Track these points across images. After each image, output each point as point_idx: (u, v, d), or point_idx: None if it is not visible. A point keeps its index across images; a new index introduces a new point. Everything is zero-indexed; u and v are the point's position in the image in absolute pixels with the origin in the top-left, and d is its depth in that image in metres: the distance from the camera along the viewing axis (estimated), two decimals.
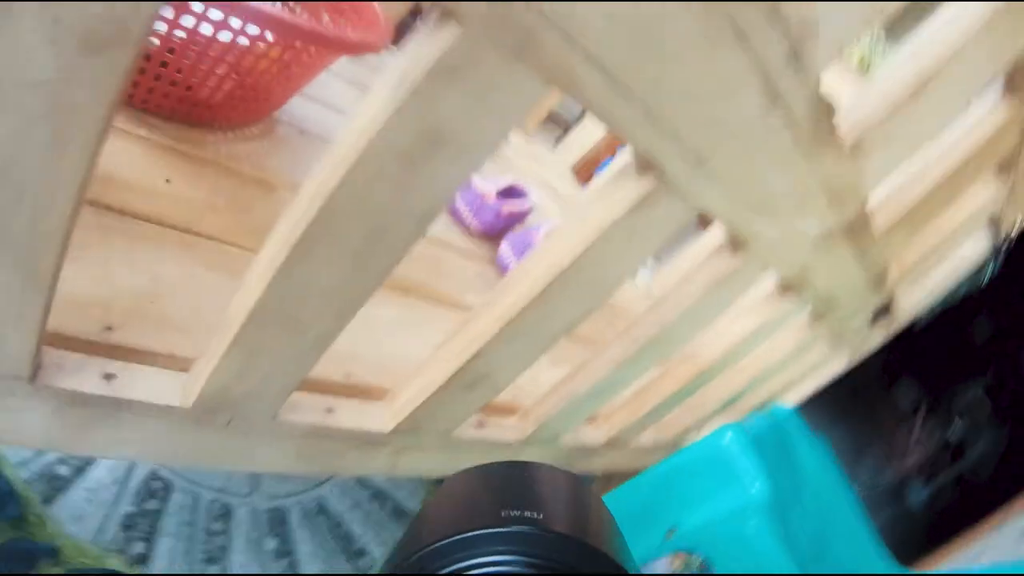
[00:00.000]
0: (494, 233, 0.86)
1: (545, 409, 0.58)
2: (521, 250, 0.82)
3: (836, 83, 1.12)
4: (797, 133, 0.40)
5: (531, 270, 0.40)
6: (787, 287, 0.61)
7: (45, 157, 0.23)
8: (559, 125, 1.70)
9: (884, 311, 0.82)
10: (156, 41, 0.51)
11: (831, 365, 1.00)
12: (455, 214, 0.87)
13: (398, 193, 0.29)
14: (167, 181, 0.51)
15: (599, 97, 0.30)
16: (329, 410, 0.44)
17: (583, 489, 0.24)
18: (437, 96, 0.26)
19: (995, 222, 0.86)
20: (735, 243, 0.49)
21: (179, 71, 0.54)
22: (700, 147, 0.36)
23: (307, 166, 0.66)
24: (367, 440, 0.47)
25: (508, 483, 0.24)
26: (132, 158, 0.51)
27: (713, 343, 0.67)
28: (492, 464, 0.25)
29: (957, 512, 0.92)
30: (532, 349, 0.46)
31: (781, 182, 0.44)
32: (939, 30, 0.46)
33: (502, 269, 0.83)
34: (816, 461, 0.83)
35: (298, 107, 0.72)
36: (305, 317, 0.34)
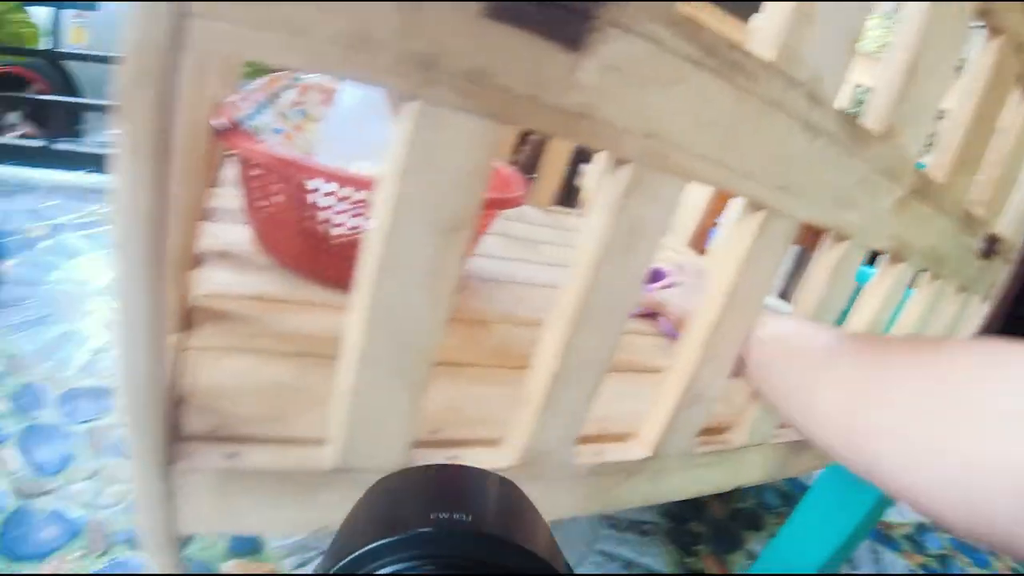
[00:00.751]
0: (646, 313, 1.02)
1: (745, 418, 0.72)
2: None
3: (865, 75, 1.29)
4: (838, 143, 0.57)
5: (709, 302, 0.58)
6: (894, 257, 0.75)
7: (425, 308, 0.44)
8: None
9: (991, 245, 0.91)
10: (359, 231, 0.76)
11: (971, 314, 1.07)
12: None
13: (621, 272, 0.49)
14: None
15: (715, 177, 0.49)
16: (598, 453, 0.61)
17: (513, 491, 0.24)
18: (629, 205, 0.46)
19: None
20: (838, 236, 0.65)
21: None
22: (783, 180, 0.54)
23: (501, 305, 0.89)
24: (630, 470, 0.62)
25: (437, 486, 0.24)
26: None
27: (856, 324, 0.79)
28: (419, 467, 0.25)
29: None
30: (724, 363, 0.61)
31: (845, 180, 0.60)
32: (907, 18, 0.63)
33: (671, 336, 0.98)
34: None
35: (470, 263, 0.95)
36: (583, 376, 0.52)
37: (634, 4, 0.40)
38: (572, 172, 1.82)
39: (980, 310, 1.07)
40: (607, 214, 0.46)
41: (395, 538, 0.19)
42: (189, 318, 0.63)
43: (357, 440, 0.48)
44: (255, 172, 0.75)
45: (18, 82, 2.52)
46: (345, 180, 0.69)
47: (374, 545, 0.19)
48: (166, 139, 0.34)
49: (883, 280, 0.77)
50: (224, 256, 0.79)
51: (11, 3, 2.07)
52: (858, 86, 1.30)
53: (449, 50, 0.37)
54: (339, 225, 0.73)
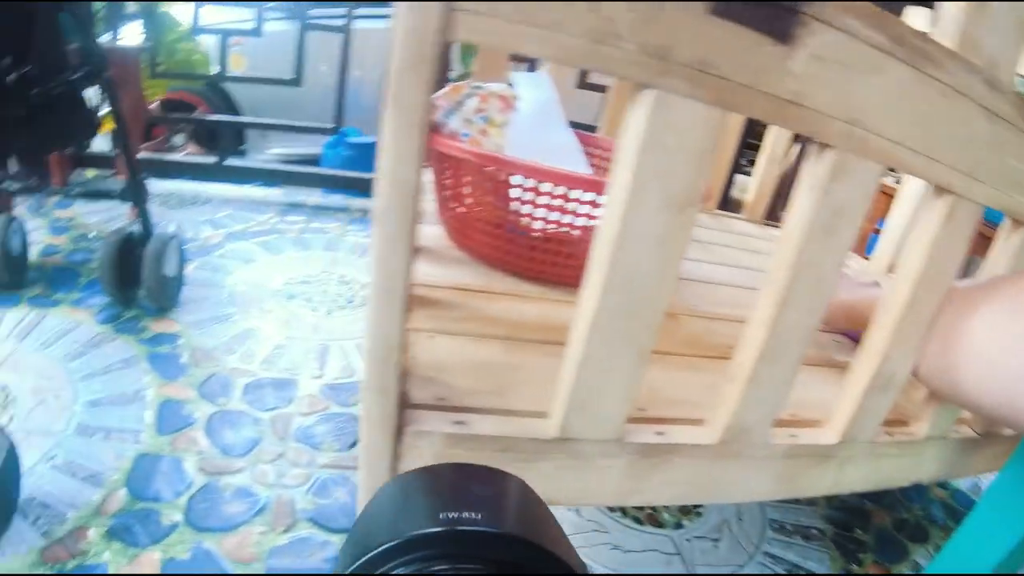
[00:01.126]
0: None
1: (927, 411, 0.71)
2: None
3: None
4: (1016, 127, 0.59)
5: (900, 287, 0.60)
6: None
7: (655, 279, 0.48)
8: None
9: None
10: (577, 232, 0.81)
11: None
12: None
13: (824, 252, 0.52)
14: None
15: (904, 161, 0.52)
16: (792, 435, 0.63)
17: (524, 489, 0.24)
18: (833, 188, 0.50)
19: None
20: (1016, 222, 0.65)
21: (569, 255, 0.81)
22: (967, 166, 0.56)
23: (685, 299, 0.92)
24: (820, 454, 0.63)
25: (446, 485, 0.24)
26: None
27: None
28: (431, 467, 0.25)
29: None
30: (913, 348, 0.62)
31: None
32: None
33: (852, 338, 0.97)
34: None
35: None
36: (789, 354, 0.55)
37: (833, 5, 0.45)
38: (728, 183, 1.87)
39: None
40: (814, 196, 0.50)
41: (404, 539, 0.19)
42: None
43: (578, 410, 0.52)
44: (450, 172, 0.83)
45: (185, 107, 2.77)
46: (547, 176, 0.74)
47: (386, 546, 0.19)
48: (428, 119, 0.41)
49: None
50: (422, 251, 0.85)
51: (181, 32, 2.35)
52: (1020, 76, 1.28)
53: (680, 43, 0.42)
54: (538, 219, 0.79)
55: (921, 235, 0.58)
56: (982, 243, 0.71)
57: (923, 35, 0.50)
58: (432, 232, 0.93)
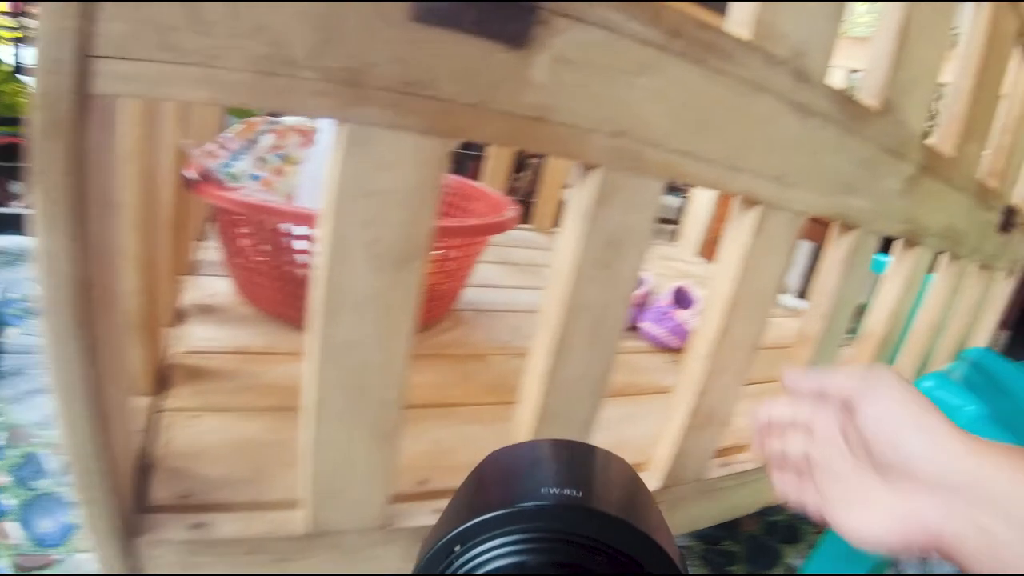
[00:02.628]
0: (629, 326, 0.97)
1: None
2: (657, 320, 0.93)
3: (860, 60, 1.24)
4: (834, 123, 0.52)
5: (709, 310, 0.52)
6: (909, 242, 0.69)
7: (381, 350, 0.38)
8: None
9: (1009, 217, 0.85)
10: None
11: (997, 291, 1.00)
12: (654, 342, 0.95)
13: (602, 290, 0.43)
14: None
15: (694, 174, 0.44)
16: None
17: (625, 469, 0.24)
18: (603, 214, 0.41)
19: None
20: (844, 226, 0.59)
21: None
22: (776, 170, 0.49)
23: (499, 335, 0.83)
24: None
25: (550, 461, 0.24)
26: None
27: (878, 316, 0.73)
28: (537, 441, 0.25)
29: None
30: (736, 376, 0.55)
31: (846, 163, 0.55)
32: None
33: (654, 342, 0.93)
34: None
35: (466, 295, 0.91)
36: (574, 408, 0.46)
37: None
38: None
39: (1005, 286, 1.01)
40: (581, 225, 0.41)
41: (504, 511, 0.19)
42: (166, 378, 0.59)
43: (327, 500, 0.42)
44: (227, 222, 0.71)
45: (18, 152, 2.49)
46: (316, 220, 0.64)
47: (485, 517, 0.19)
48: (83, 194, 0.30)
49: (900, 267, 0.71)
50: (207, 310, 0.74)
51: (4, 73, 2.07)
52: (853, 71, 1.24)
53: (376, 62, 0.32)
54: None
55: (730, 253, 0.51)
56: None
57: (707, 25, 0.42)
58: (222, 286, 0.81)
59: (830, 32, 0.50)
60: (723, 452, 0.65)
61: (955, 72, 0.71)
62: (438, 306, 0.80)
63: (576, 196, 0.41)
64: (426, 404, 0.64)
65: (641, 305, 0.97)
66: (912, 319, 0.81)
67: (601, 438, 0.43)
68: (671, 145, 0.42)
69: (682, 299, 0.99)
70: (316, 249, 0.36)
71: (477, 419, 0.63)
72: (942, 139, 0.69)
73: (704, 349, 0.52)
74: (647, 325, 0.93)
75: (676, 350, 0.91)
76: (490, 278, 1.03)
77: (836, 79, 1.28)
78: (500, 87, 0.35)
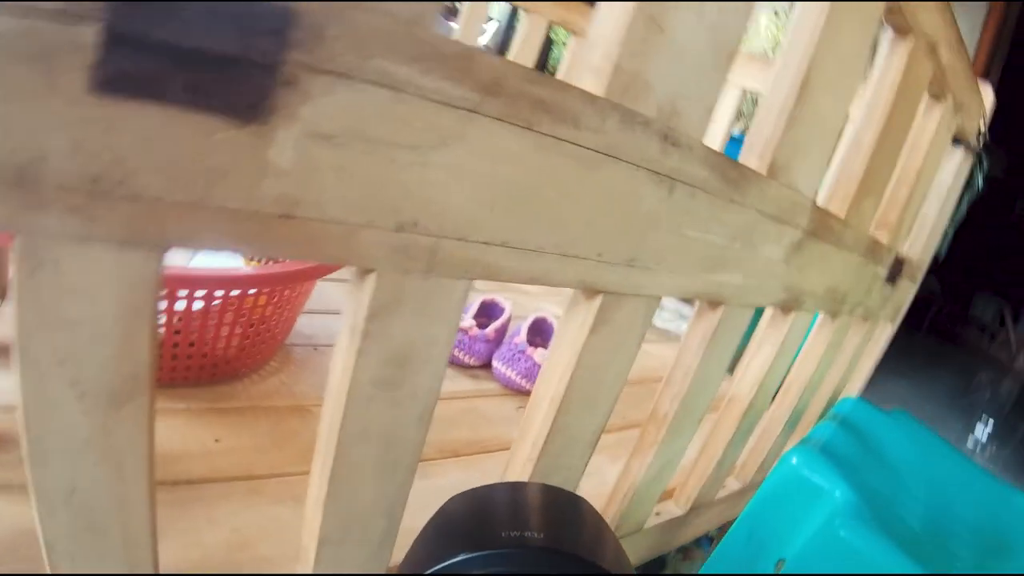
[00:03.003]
0: (491, 356, 0.89)
1: (616, 507, 0.60)
2: (509, 360, 0.85)
3: (755, 80, 1.17)
4: (708, 192, 0.44)
5: (534, 410, 0.44)
6: (786, 308, 0.63)
7: (112, 493, 0.28)
8: None
9: (897, 268, 0.82)
10: (162, 331, 0.59)
11: (878, 338, 0.99)
12: (450, 359, 0.86)
13: (387, 413, 0.34)
14: (216, 440, 0.57)
15: (513, 269, 0.35)
16: None
17: (584, 508, 0.25)
18: (383, 330, 0.31)
19: (960, 136, 0.87)
20: (711, 303, 0.52)
21: (192, 343, 0.62)
22: (627, 253, 0.40)
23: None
24: None
25: (508, 504, 0.24)
26: (180, 431, 0.57)
27: (744, 378, 0.68)
28: (493, 485, 0.25)
29: None
30: (574, 468, 0.48)
31: (720, 236, 0.47)
32: (798, 22, 0.50)
33: (506, 384, 0.85)
34: (903, 437, 0.81)
35: (304, 326, 0.79)
36: (366, 535, 0.38)
37: (346, 37, 0.25)
38: None
39: (886, 331, 0.99)
40: (354, 343, 0.31)
41: (470, 555, 0.20)
42: None
43: None
44: None
45: None
46: None
47: (447, 564, 0.20)
48: None
49: (772, 333, 0.66)
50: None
51: None
52: (748, 92, 1.17)
53: (49, 152, 0.21)
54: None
55: (562, 351, 0.42)
56: None
57: (540, 79, 0.32)
58: None
59: (713, 83, 0.42)
60: None
61: (856, 122, 0.64)
62: (264, 346, 0.69)
63: (349, 305, 0.31)
64: (230, 477, 0.53)
65: (496, 340, 0.89)
66: (788, 370, 0.77)
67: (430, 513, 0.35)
68: (480, 235, 0.32)
69: (541, 332, 0.91)
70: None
71: (289, 495, 0.53)
72: (834, 198, 0.63)
73: (530, 450, 0.44)
74: (499, 365, 0.85)
75: (529, 394, 0.84)
76: (335, 301, 0.91)
77: (727, 105, 1.21)
78: (228, 177, 0.24)
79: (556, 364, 0.42)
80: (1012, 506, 0.79)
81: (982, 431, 2.44)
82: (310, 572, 0.37)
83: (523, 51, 1.24)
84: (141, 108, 0.22)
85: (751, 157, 0.50)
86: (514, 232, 0.34)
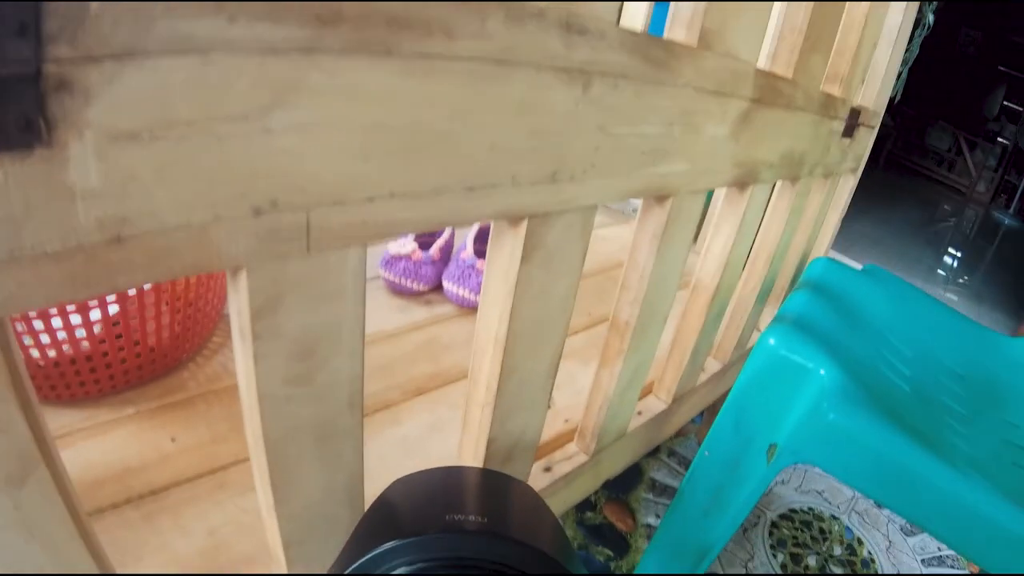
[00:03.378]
0: (440, 277, 0.85)
1: (592, 420, 0.59)
2: (459, 277, 0.81)
3: None
4: (633, 80, 0.39)
5: (479, 355, 0.41)
6: (741, 184, 0.59)
7: (49, 559, 0.25)
8: None
9: (854, 120, 0.78)
10: (86, 344, 0.55)
11: (841, 192, 0.96)
12: (397, 288, 0.82)
13: (314, 404, 0.30)
14: (172, 440, 0.54)
15: (412, 220, 0.30)
16: None
17: (526, 491, 0.24)
18: (280, 325, 0.27)
19: None
20: (658, 196, 0.48)
21: (131, 337, 0.57)
22: (546, 168, 0.36)
23: None
24: None
25: (452, 488, 0.24)
26: (134, 438, 0.54)
27: (707, 267, 0.65)
28: (435, 469, 0.25)
29: None
30: (535, 402, 0.46)
31: (654, 125, 0.42)
32: None
33: (461, 304, 0.82)
34: (878, 294, 0.80)
35: None
36: (327, 530, 0.36)
37: (114, 6, 0.19)
38: None
39: (849, 184, 0.96)
40: (247, 347, 0.27)
41: (408, 540, 0.20)
42: None
43: None
44: None
45: None
46: None
47: (388, 546, 0.20)
48: None
49: (729, 212, 0.62)
50: None
51: None
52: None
53: None
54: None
55: (494, 287, 0.38)
56: None
57: None
58: None
59: None
60: (544, 452, 0.58)
61: None
62: (199, 330, 0.64)
63: (231, 307, 0.27)
64: (193, 476, 0.51)
65: (443, 259, 0.85)
66: (752, 243, 0.75)
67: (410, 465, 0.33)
68: (359, 193, 0.27)
69: (487, 241, 0.86)
70: None
71: (249, 483, 0.51)
72: (778, 58, 0.57)
73: (484, 395, 0.42)
74: (449, 285, 0.81)
75: None
76: None
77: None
78: (32, 219, 0.19)
79: (492, 302, 0.39)
80: (995, 350, 0.80)
81: (951, 260, 2.50)
82: (284, 572, 0.35)
83: None
84: None
85: (678, 29, 0.44)
86: (401, 178, 0.29)
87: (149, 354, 0.60)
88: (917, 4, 0.87)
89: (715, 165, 0.52)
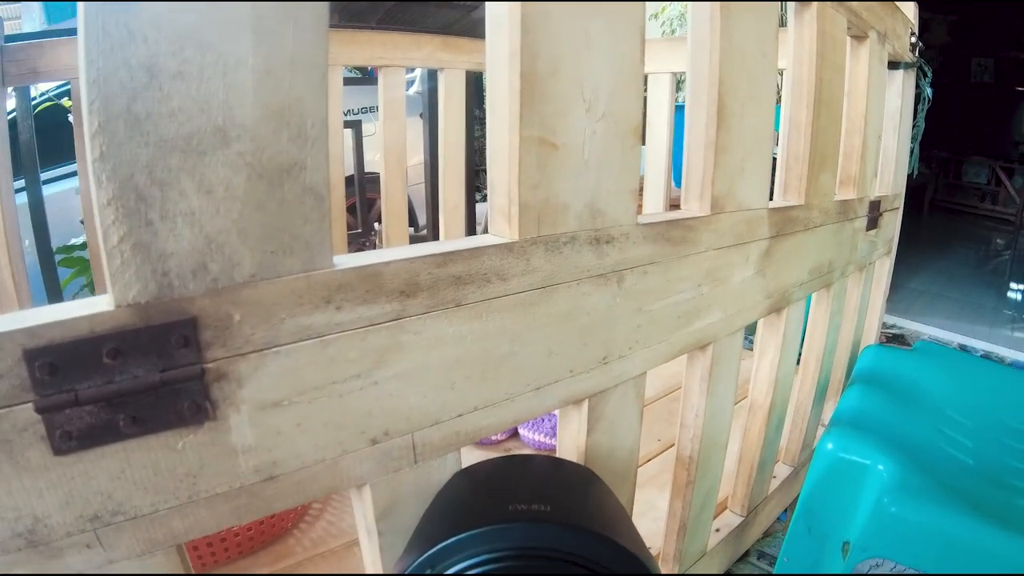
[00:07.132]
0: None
1: (672, 546, 0.61)
2: (533, 424, 0.85)
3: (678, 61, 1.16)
4: (660, 260, 0.45)
5: None
6: (775, 309, 0.63)
7: None
8: None
9: (875, 212, 0.82)
10: None
11: (880, 276, 0.99)
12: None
13: None
14: None
15: (494, 423, 0.36)
16: None
17: (586, 474, 0.24)
18: (397, 523, 0.33)
19: (895, 59, 0.86)
20: (700, 347, 0.53)
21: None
22: (596, 357, 0.42)
23: None
24: None
25: (514, 477, 0.24)
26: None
27: (758, 385, 0.68)
28: (496, 459, 0.25)
29: None
30: None
31: (685, 291, 0.48)
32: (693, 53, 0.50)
33: (535, 446, 0.86)
34: (932, 369, 0.81)
35: None
36: None
37: (251, 316, 0.27)
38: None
39: (886, 265, 0.99)
40: (376, 542, 0.33)
41: (474, 532, 0.20)
42: None
43: None
44: None
45: None
46: None
47: (454, 539, 0.20)
48: None
49: (770, 336, 0.66)
50: None
51: None
52: (677, 73, 1.15)
53: (42, 513, 0.24)
54: None
55: (568, 455, 0.44)
56: None
57: (451, 254, 0.33)
58: None
59: (628, 162, 0.42)
60: None
61: (786, 104, 0.64)
62: None
63: (357, 511, 0.33)
64: None
65: None
66: (801, 348, 0.78)
67: None
68: (450, 413, 0.34)
69: None
70: None
71: None
72: (789, 189, 0.63)
73: None
74: (525, 432, 0.85)
75: None
76: None
77: (663, 85, 1.19)
78: (206, 471, 0.27)
79: None
80: None
81: (1016, 294, 2.40)
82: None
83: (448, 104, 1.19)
84: (105, 450, 0.24)
85: (692, 202, 0.51)
86: (481, 395, 0.35)
87: (259, 525, 0.66)
88: (913, 81, 0.93)
89: (747, 304, 0.57)
